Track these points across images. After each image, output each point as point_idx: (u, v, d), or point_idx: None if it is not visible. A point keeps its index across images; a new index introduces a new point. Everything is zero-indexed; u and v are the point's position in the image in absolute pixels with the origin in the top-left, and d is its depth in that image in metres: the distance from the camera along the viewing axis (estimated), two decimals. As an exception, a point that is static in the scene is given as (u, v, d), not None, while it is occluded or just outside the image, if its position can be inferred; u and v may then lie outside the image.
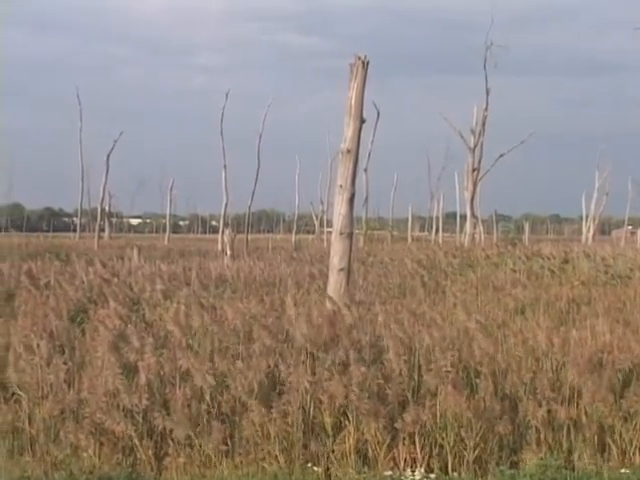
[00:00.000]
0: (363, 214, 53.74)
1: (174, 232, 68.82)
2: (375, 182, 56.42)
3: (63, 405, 8.27)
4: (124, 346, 9.12)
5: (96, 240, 46.57)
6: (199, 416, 8.06)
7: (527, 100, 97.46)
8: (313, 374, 8.35)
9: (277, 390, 8.37)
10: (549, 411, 8.11)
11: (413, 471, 7.67)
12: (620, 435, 8.06)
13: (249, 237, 44.90)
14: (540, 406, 8.11)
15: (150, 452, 7.89)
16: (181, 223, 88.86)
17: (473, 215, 46.49)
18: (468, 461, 7.81)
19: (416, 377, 8.58)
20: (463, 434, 7.85)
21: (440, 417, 7.96)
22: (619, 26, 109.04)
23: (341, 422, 8.04)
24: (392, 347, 8.68)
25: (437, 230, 65.69)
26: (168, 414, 7.96)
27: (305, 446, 7.92)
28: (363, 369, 8.23)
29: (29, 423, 8.23)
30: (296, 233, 58.93)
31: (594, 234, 61.21)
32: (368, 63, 13.98)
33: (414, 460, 7.85)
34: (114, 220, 71.40)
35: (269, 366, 8.69)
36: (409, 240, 58.28)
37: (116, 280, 17.37)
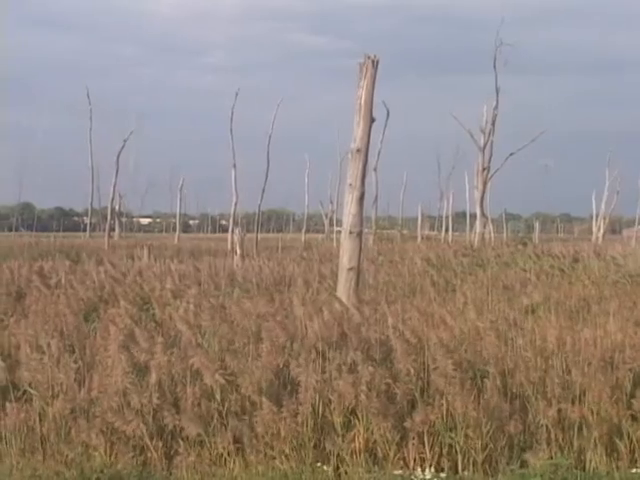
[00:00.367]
0: (373, 213, 53.71)
1: (184, 231, 68.94)
2: (385, 181, 56.44)
3: (74, 404, 8.30)
4: (134, 345, 9.13)
5: (106, 240, 46.64)
6: (209, 415, 8.07)
7: (537, 99, 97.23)
8: (323, 373, 8.35)
9: (287, 389, 8.38)
10: (559, 410, 8.10)
11: (423, 470, 7.67)
12: (629, 435, 8.04)
13: (259, 236, 44.89)
14: (550, 405, 8.10)
15: (161, 451, 7.91)
16: (191, 222, 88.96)
17: (483, 214, 46.41)
18: (478, 461, 7.81)
19: (425, 377, 8.58)
20: (472, 434, 7.85)
21: (449, 417, 7.96)
22: (631, 23, 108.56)
23: (350, 421, 8.04)
24: (400, 347, 8.67)
25: (447, 229, 65.63)
26: (178, 413, 7.98)
27: (315, 445, 7.92)
28: (371, 369, 8.22)
29: (40, 422, 8.26)
30: (306, 232, 58.92)
31: (604, 233, 61.04)
32: (378, 62, 13.98)
33: (424, 459, 7.85)
34: (124, 220, 71.53)
35: (278, 365, 8.70)
36: (419, 239, 58.20)
37: (126, 279, 17.41)
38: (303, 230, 59.72)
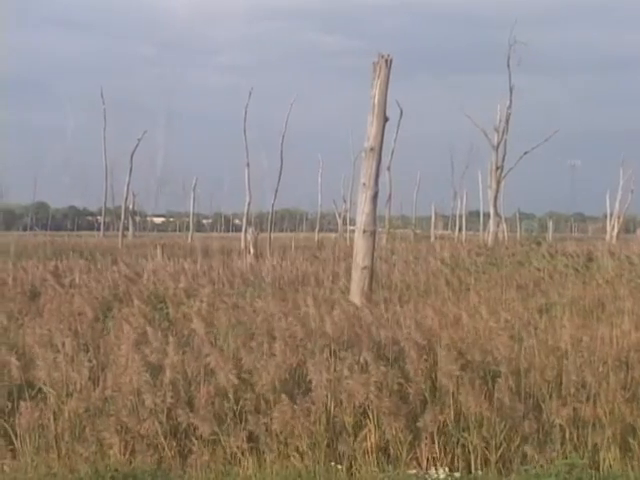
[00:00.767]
0: (386, 212, 53.64)
1: (197, 231, 68.94)
2: (398, 180, 56.33)
3: (88, 403, 8.32)
4: (148, 344, 9.16)
5: (120, 239, 46.73)
6: (223, 414, 8.08)
7: (551, 97, 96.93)
8: (335, 372, 8.35)
9: (301, 388, 8.39)
10: (573, 410, 8.07)
11: (437, 470, 7.66)
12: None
13: (272, 236, 44.89)
14: (564, 405, 8.08)
15: (175, 450, 7.92)
16: (204, 222, 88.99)
17: (496, 213, 46.30)
18: (492, 460, 7.79)
19: (436, 377, 8.56)
20: (485, 433, 7.83)
21: (462, 417, 7.94)
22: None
23: (361, 421, 8.04)
24: (412, 347, 8.67)
25: (460, 229, 65.46)
26: (192, 412, 7.99)
27: (328, 444, 7.92)
28: (383, 368, 8.22)
29: (54, 421, 8.29)
30: (319, 231, 58.90)
31: (619, 232, 60.74)
32: (391, 61, 13.98)
33: (437, 459, 7.84)
34: (138, 219, 71.63)
35: (292, 364, 8.71)
36: (432, 238, 58.09)
37: (140, 279, 17.45)
38: (316, 229, 59.70)
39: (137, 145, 53.85)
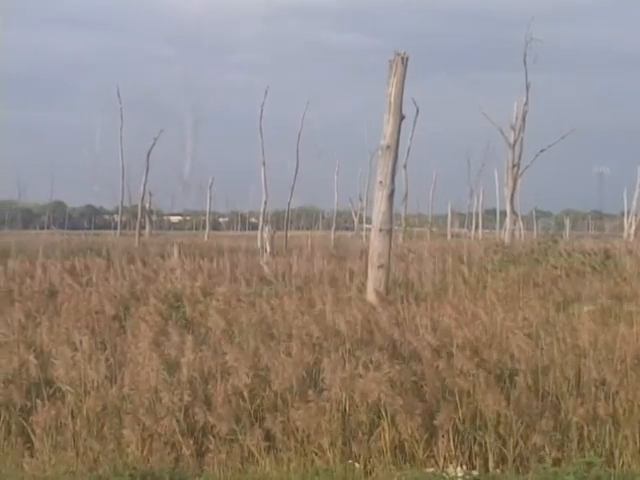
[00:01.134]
0: (402, 211, 53.56)
1: (214, 229, 69.09)
2: (415, 178, 56.21)
3: (106, 401, 8.35)
4: (165, 343, 9.18)
5: (137, 237, 46.84)
6: (240, 412, 8.09)
7: (568, 95, 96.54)
8: (352, 370, 8.35)
9: (318, 387, 8.39)
10: (592, 408, 8.04)
11: (454, 468, 7.64)
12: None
13: (288, 234, 44.90)
14: (582, 403, 8.05)
15: (192, 448, 7.93)
16: (221, 220, 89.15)
17: (513, 211, 46.13)
18: (509, 459, 7.77)
19: (452, 375, 8.54)
20: (502, 432, 7.81)
21: (479, 415, 7.92)
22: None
23: (376, 419, 8.03)
24: (427, 345, 8.65)
25: (476, 227, 65.28)
26: (209, 410, 8.00)
27: (345, 442, 7.92)
28: (397, 367, 8.21)
29: (72, 419, 8.32)
30: (335, 230, 58.86)
31: (636, 230, 60.45)
32: (407, 59, 13.97)
33: (454, 457, 7.82)
34: (154, 218, 71.79)
35: (309, 362, 8.71)
36: (448, 237, 57.97)
37: (157, 277, 17.50)
38: (333, 227, 59.68)
39: (153, 144, 53.95)
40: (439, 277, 19.17)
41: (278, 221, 52.43)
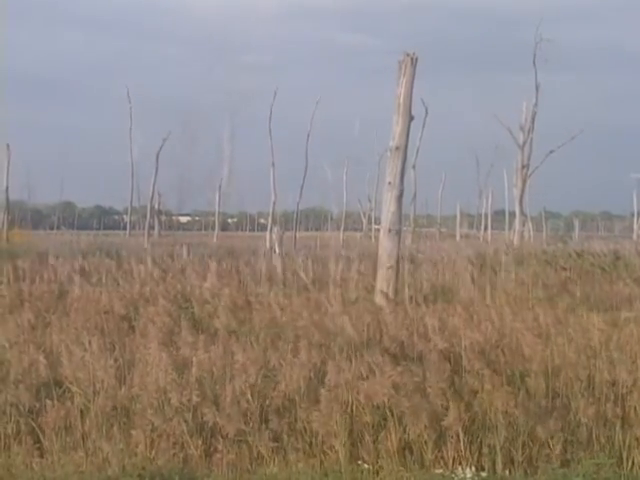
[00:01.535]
0: (411, 211, 53.52)
1: (223, 230, 69.09)
2: (423, 179, 56.15)
3: (115, 401, 8.36)
4: (174, 343, 9.19)
5: (146, 238, 46.96)
6: (249, 413, 8.09)
7: (578, 96, 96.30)
8: (355, 372, 8.35)
9: (325, 387, 8.38)
10: (601, 409, 8.02)
11: (463, 470, 7.63)
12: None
13: (297, 235, 44.95)
14: (592, 404, 8.03)
15: (200, 449, 7.94)
16: (230, 221, 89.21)
17: (522, 212, 46.07)
18: (518, 460, 7.75)
19: (461, 375, 8.54)
20: (511, 433, 7.79)
21: (487, 416, 7.91)
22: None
23: (385, 420, 8.02)
24: (435, 347, 8.64)
25: (485, 227, 65.20)
26: (218, 410, 8.01)
27: (353, 444, 7.92)
28: (400, 368, 8.20)
29: (81, 419, 8.33)
30: (344, 231, 58.84)
31: (646, 231, 60.33)
32: (417, 60, 13.96)
33: (463, 459, 7.80)
34: (163, 218, 71.86)
35: (316, 363, 8.71)
36: (457, 237, 57.91)
37: (166, 278, 17.52)
38: (341, 228, 59.67)
39: (162, 145, 54.05)
40: (448, 278, 19.15)
41: (287, 222, 52.46)
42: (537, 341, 9.07)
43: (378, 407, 7.98)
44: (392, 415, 7.89)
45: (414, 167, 50.92)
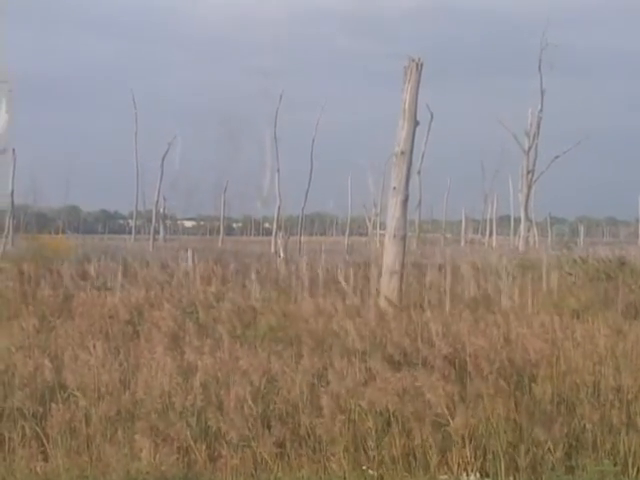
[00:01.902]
0: (416, 217, 53.49)
1: (227, 234, 69.12)
2: (429, 184, 56.11)
3: (119, 406, 8.36)
4: (178, 347, 9.19)
5: (151, 242, 47.05)
6: (253, 418, 8.08)
7: (584, 101, 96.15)
8: (357, 377, 8.34)
9: (328, 393, 8.37)
10: (606, 415, 8.00)
11: (468, 475, 7.61)
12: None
13: (302, 239, 44.97)
14: (597, 410, 8.01)
15: (204, 453, 7.93)
16: (234, 225, 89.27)
17: (527, 218, 46.09)
18: (522, 466, 7.73)
19: (466, 381, 8.53)
20: (515, 438, 7.78)
21: (491, 421, 7.89)
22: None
23: (388, 426, 8.01)
24: (439, 353, 8.64)
25: (491, 233, 65.14)
26: (222, 415, 8.00)
27: (356, 449, 7.91)
28: (399, 374, 8.19)
29: (86, 423, 8.33)
30: (349, 236, 58.81)
31: (651, 237, 60.27)
32: (422, 65, 13.97)
33: (468, 464, 7.79)
34: (168, 222, 71.93)
35: (319, 368, 8.71)
36: (462, 243, 57.89)
37: (171, 282, 17.53)
38: (346, 233, 59.64)
39: (168, 149, 54.10)
40: (452, 283, 19.12)
41: (292, 226, 52.49)
42: (542, 346, 9.05)
43: (381, 413, 7.97)
44: (396, 421, 7.88)
45: (419, 172, 50.91)
